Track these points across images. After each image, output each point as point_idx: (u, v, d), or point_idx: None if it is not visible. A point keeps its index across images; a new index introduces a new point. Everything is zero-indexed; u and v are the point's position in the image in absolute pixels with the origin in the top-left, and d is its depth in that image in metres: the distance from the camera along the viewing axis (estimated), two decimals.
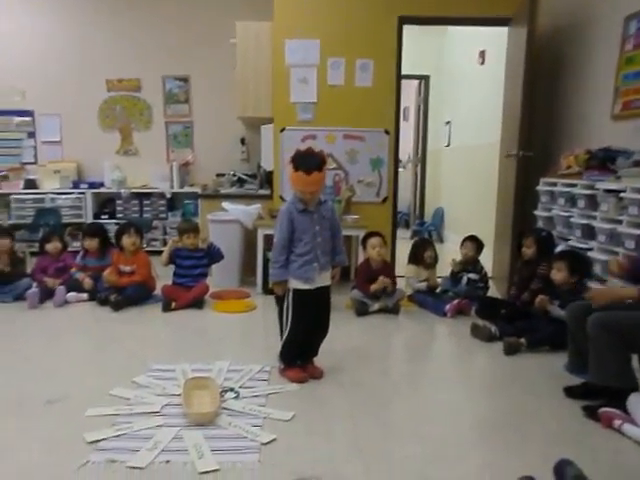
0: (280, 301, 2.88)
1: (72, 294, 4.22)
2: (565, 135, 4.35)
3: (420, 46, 7.16)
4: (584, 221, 3.49)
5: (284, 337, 2.84)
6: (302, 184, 2.66)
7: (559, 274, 3.29)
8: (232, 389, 2.65)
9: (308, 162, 2.62)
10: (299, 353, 2.88)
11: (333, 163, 4.89)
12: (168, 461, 2.02)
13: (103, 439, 2.16)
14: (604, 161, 3.45)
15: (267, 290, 4.40)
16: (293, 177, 2.68)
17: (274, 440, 2.18)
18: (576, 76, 4.22)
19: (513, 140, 4.35)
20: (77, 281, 4.33)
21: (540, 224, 4.20)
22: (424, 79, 8.04)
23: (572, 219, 3.63)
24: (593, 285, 3.35)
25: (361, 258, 4.38)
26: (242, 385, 2.72)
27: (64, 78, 6.29)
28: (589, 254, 3.38)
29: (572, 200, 3.71)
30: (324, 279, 2.82)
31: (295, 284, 2.76)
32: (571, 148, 4.00)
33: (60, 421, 2.34)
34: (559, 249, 3.70)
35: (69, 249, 4.82)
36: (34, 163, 6.45)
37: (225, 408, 2.46)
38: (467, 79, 6.76)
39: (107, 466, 1.98)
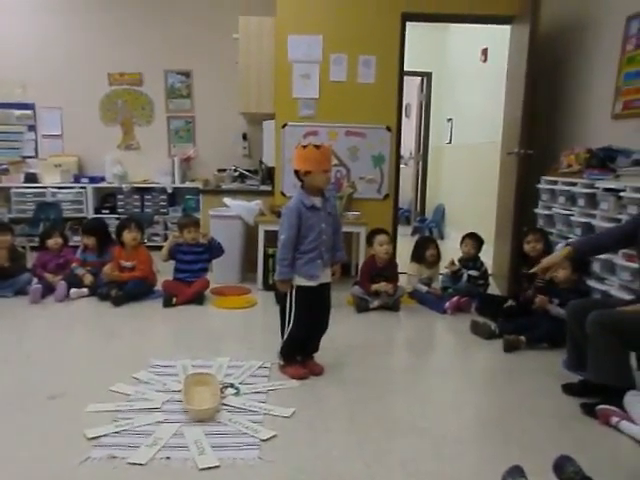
0: (281, 298, 2.89)
1: (73, 290, 4.22)
2: (566, 134, 4.35)
3: (423, 43, 7.13)
4: (584, 219, 3.50)
5: (286, 334, 2.85)
6: (314, 161, 2.67)
7: (563, 272, 3.29)
8: (232, 385, 2.66)
9: (315, 143, 2.73)
10: (299, 349, 2.90)
11: (335, 159, 4.89)
12: (169, 457, 2.03)
13: (104, 435, 2.17)
14: (604, 160, 3.47)
15: (268, 286, 4.41)
16: (303, 156, 2.68)
17: (274, 436, 2.20)
18: (577, 75, 4.22)
19: (514, 138, 4.34)
20: (77, 276, 4.34)
21: (540, 222, 4.21)
22: (426, 76, 8.01)
23: (572, 217, 3.64)
24: (592, 284, 3.37)
25: (362, 254, 4.39)
26: (242, 381, 2.73)
27: (65, 71, 6.27)
28: None
29: (572, 199, 3.72)
30: (326, 276, 2.86)
31: (299, 281, 2.77)
32: (572, 147, 4.01)
33: (61, 416, 2.35)
34: (558, 247, 3.71)
35: (70, 244, 4.83)
36: (35, 157, 6.44)
37: (225, 404, 2.47)
38: (469, 76, 6.74)
39: (108, 462, 2.00)
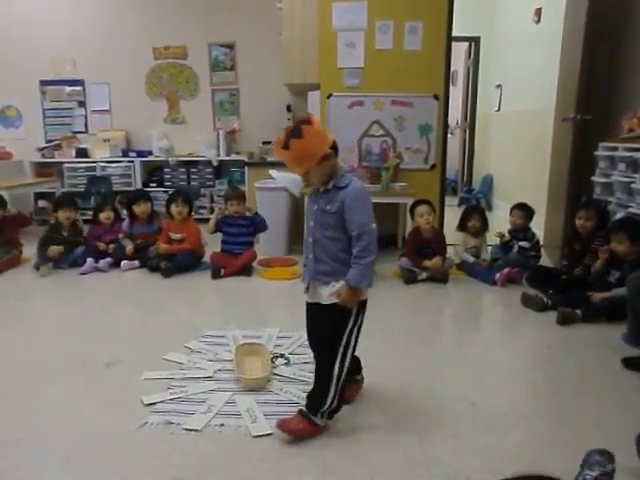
0: None
1: (124, 262, 4.34)
2: (628, 96, 4.10)
3: (471, 6, 6.87)
4: None
5: None
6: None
7: (620, 246, 3.14)
8: (283, 355, 2.69)
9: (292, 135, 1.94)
10: None
11: (380, 130, 4.80)
12: (222, 424, 2.07)
13: (160, 402, 2.23)
14: None
15: None
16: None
17: None
18: None
19: (570, 103, 4.14)
20: (124, 248, 4.45)
21: (598, 191, 4.03)
22: (474, 41, 7.73)
23: (633, 185, 3.46)
24: None
25: (409, 226, 4.32)
26: (292, 352, 2.75)
27: (112, 46, 6.36)
28: None
29: (634, 165, 3.53)
30: (319, 294, 1.98)
31: None
32: (634, 110, 3.78)
33: (118, 383, 2.43)
34: (617, 216, 3.55)
35: (121, 217, 4.95)
36: (85, 132, 6.60)
37: (276, 374, 2.49)
38: (520, 39, 6.45)
39: (164, 428, 2.05)
